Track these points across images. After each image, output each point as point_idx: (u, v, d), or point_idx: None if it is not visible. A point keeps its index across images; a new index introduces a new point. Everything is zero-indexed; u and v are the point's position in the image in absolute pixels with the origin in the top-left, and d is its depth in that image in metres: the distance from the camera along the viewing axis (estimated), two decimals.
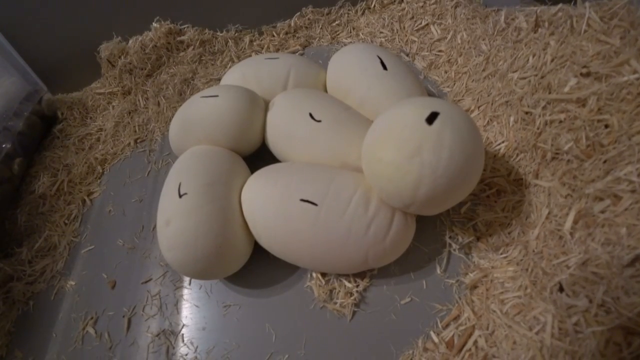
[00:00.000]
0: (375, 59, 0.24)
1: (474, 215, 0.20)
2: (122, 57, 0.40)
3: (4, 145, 0.33)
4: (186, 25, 0.38)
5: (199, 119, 0.24)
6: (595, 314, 0.13)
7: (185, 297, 0.24)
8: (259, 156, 0.25)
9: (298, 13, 0.37)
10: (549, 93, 0.19)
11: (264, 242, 0.21)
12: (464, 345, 0.17)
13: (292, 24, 0.38)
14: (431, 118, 0.16)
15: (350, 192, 0.19)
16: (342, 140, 0.22)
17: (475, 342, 0.17)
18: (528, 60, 0.21)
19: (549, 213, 0.18)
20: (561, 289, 0.15)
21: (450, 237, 0.20)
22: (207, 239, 0.19)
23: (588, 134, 0.17)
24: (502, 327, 0.16)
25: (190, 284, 0.24)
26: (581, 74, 0.17)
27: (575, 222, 0.16)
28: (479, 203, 0.21)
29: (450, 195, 0.17)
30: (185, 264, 0.20)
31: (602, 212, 0.16)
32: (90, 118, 0.41)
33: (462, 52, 0.28)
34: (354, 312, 0.20)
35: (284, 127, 0.24)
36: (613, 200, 0.15)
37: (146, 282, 0.26)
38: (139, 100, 0.39)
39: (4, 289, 0.31)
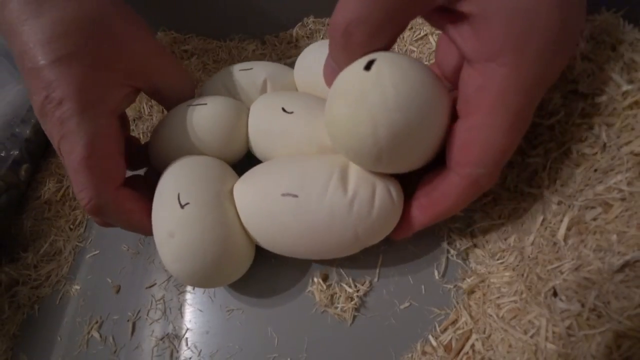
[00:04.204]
0: None
1: (471, 222, 0.21)
2: None
3: (11, 152, 0.34)
4: (190, 35, 0.39)
5: (187, 127, 0.25)
6: (587, 318, 0.14)
7: (189, 301, 0.24)
8: (243, 164, 0.25)
9: (300, 23, 0.38)
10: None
11: (261, 242, 0.21)
12: (461, 349, 0.17)
13: (294, 34, 0.38)
14: (368, 65, 0.16)
15: (327, 175, 0.19)
16: (315, 125, 0.22)
17: (473, 345, 0.17)
18: None
19: (543, 220, 0.18)
20: (555, 294, 0.16)
21: (448, 244, 0.21)
22: (215, 247, 0.19)
23: (576, 145, 0.18)
24: (499, 330, 0.17)
25: (194, 289, 0.25)
26: (569, 91, 0.18)
27: (568, 229, 0.17)
28: (475, 210, 0.21)
29: (416, 133, 0.16)
30: (193, 274, 0.20)
31: (594, 219, 0.16)
32: None
33: None
34: (355, 317, 0.20)
35: (262, 127, 0.24)
36: (604, 207, 0.16)
37: (150, 286, 0.27)
38: (143, 108, 0.40)
39: (10, 293, 0.31)
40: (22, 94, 0.37)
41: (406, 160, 0.18)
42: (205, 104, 0.25)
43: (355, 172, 0.20)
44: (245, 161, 0.25)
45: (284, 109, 0.23)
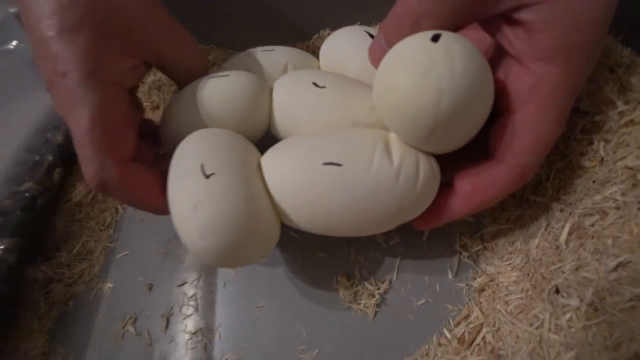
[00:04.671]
0: (364, 35, 0.24)
1: (480, 227, 0.23)
2: (152, 75, 0.43)
3: (45, 157, 0.36)
4: (211, 46, 0.41)
5: (206, 99, 0.23)
6: (585, 312, 0.16)
7: (220, 298, 0.26)
8: (261, 144, 0.24)
9: (316, 35, 0.40)
10: None
11: (295, 218, 0.20)
12: (473, 340, 0.19)
13: (311, 45, 0.40)
14: (435, 38, 0.16)
15: (371, 146, 0.19)
16: (349, 99, 0.22)
17: (484, 337, 0.19)
18: None
19: (547, 225, 0.20)
20: (557, 291, 0.18)
21: (460, 246, 0.23)
22: (246, 220, 0.18)
23: (577, 158, 0.20)
24: (507, 324, 0.19)
25: (224, 286, 0.26)
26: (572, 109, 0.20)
27: (569, 234, 0.19)
28: (485, 216, 0.23)
29: (471, 111, 0.17)
30: (223, 249, 0.18)
31: (592, 225, 0.18)
32: None
33: None
34: (376, 312, 0.22)
35: (288, 101, 0.23)
36: (601, 215, 0.18)
37: (182, 285, 0.28)
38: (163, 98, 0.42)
39: (45, 290, 0.32)
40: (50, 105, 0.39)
41: (455, 138, 0.18)
42: (227, 75, 0.24)
43: (397, 143, 0.19)
44: (262, 142, 0.24)
45: (315, 84, 0.22)
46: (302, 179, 0.19)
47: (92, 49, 0.20)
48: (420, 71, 0.16)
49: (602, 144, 0.19)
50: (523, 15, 0.16)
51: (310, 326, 0.23)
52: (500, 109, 0.18)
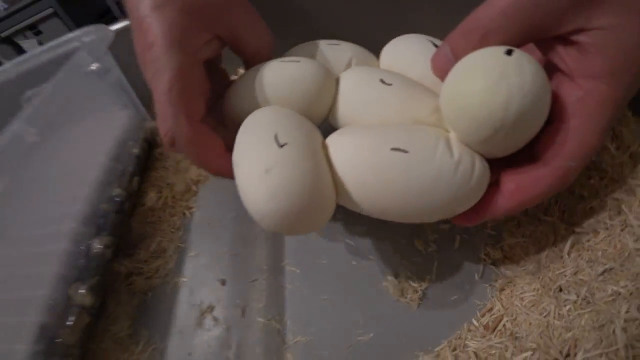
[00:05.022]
0: (428, 44, 0.25)
1: (501, 240, 0.28)
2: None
3: (128, 167, 0.42)
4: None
5: (276, 80, 0.24)
6: (580, 304, 0.21)
7: (288, 293, 0.30)
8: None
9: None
10: None
11: (355, 196, 0.21)
12: (496, 327, 0.24)
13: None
14: (509, 52, 0.18)
15: (434, 139, 0.20)
16: (414, 98, 0.23)
17: (504, 324, 0.24)
18: None
19: (554, 240, 0.26)
20: (560, 290, 0.23)
21: (484, 255, 0.27)
22: (311, 189, 0.19)
23: (578, 189, 0.26)
24: (522, 314, 0.24)
25: (292, 282, 0.30)
26: None
27: (571, 247, 0.24)
28: (504, 231, 0.28)
29: (532, 118, 0.18)
30: (288, 214, 0.19)
31: (587, 241, 0.23)
32: None
33: None
34: (419, 304, 0.27)
35: (355, 94, 0.24)
36: (594, 234, 0.23)
37: (253, 281, 0.32)
38: None
39: (127, 282, 0.36)
40: (132, 118, 0.45)
41: (514, 141, 0.19)
42: (299, 61, 0.24)
43: (457, 141, 0.20)
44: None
45: (382, 80, 0.23)
46: (369, 161, 0.20)
47: (176, 24, 0.22)
48: (495, 78, 0.17)
49: (597, 179, 0.25)
50: (580, 37, 0.17)
51: (366, 315, 0.27)
52: (551, 118, 0.19)
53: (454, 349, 0.24)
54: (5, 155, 0.27)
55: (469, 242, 0.29)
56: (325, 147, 0.22)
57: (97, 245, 0.34)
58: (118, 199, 0.38)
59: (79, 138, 0.38)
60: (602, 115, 0.18)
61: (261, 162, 0.19)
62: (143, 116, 0.47)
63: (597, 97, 0.18)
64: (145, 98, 0.47)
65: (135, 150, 0.43)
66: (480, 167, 0.20)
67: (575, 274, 0.23)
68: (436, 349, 0.25)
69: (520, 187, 0.20)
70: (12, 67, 0.41)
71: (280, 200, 0.19)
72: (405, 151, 0.19)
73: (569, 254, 0.24)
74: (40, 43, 1.56)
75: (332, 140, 0.22)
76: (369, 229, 0.32)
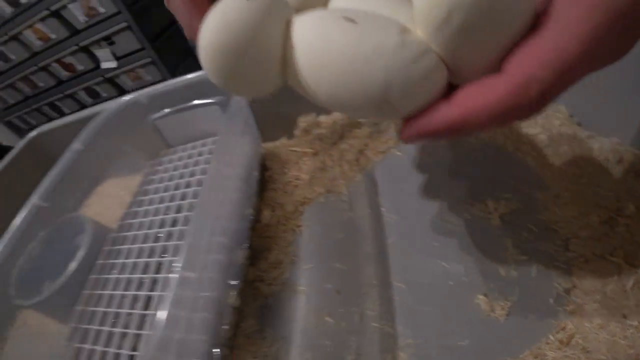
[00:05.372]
0: None
1: (571, 273, 0.33)
2: (316, 128, 0.56)
3: (252, 188, 0.50)
4: None
5: None
6: None
7: (397, 303, 0.35)
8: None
9: None
10: None
11: (301, 66, 0.20)
12: (569, 342, 0.30)
13: None
14: None
15: (390, 22, 0.19)
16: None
17: (577, 341, 0.29)
18: None
19: (618, 276, 0.33)
20: (624, 317, 0.31)
21: (557, 284, 0.33)
22: (255, 37, 0.20)
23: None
24: (592, 334, 0.30)
25: (400, 296, 0.36)
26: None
27: (633, 284, 0.32)
28: (574, 265, 0.34)
29: (501, 10, 0.15)
30: (224, 51, 0.20)
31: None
32: (286, 168, 0.56)
33: None
34: (505, 319, 0.32)
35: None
36: None
37: (365, 293, 0.36)
38: (326, 161, 0.54)
39: (253, 286, 0.41)
40: (253, 143, 0.53)
41: (479, 40, 0.17)
42: None
43: (416, 34, 0.19)
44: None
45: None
46: (317, 25, 0.20)
47: None
48: None
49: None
50: None
51: (462, 325, 0.31)
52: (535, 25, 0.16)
53: (536, 357, 0.32)
54: None
55: (544, 273, 0.36)
56: (288, 23, 0.21)
57: (240, 257, 0.44)
58: (251, 217, 0.48)
59: (229, 162, 0.46)
60: (589, 19, 0.14)
61: (218, 10, 0.20)
62: (259, 141, 0.55)
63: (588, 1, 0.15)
64: (260, 123, 0.56)
65: (256, 174, 0.52)
66: (430, 59, 0.18)
67: (637, 305, 0.30)
68: (521, 356, 0.32)
69: (467, 94, 0.17)
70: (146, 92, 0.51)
71: (220, 34, 0.19)
72: (354, 22, 0.19)
73: (631, 289, 0.31)
74: (113, 53, 1.72)
75: (296, 17, 0.21)
76: (462, 256, 0.39)
